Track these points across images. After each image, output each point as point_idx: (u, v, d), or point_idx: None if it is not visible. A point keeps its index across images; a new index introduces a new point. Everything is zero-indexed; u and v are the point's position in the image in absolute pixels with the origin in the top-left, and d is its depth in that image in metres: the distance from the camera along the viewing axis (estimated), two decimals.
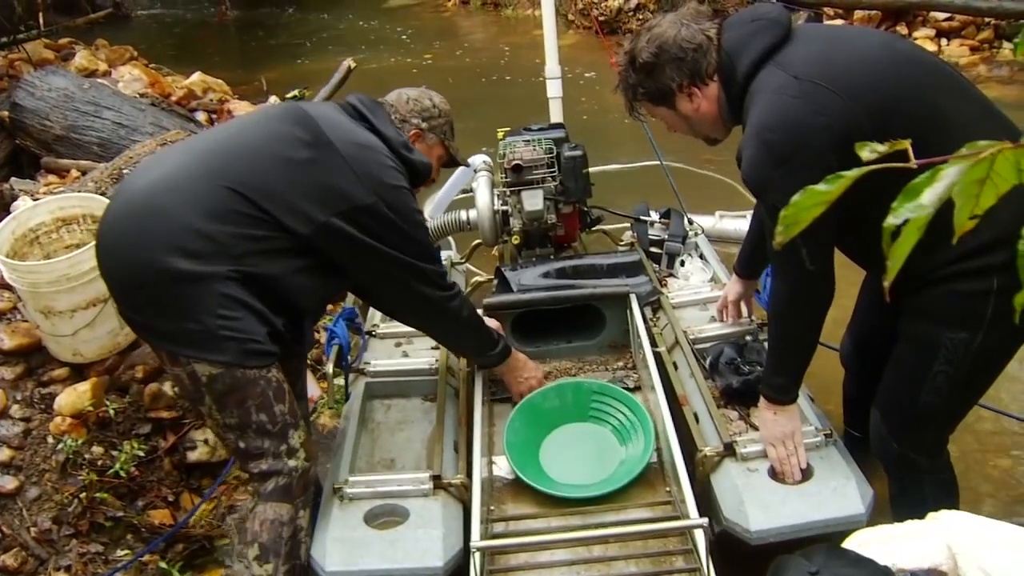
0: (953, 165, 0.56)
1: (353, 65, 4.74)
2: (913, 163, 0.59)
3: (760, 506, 1.69)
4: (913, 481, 1.82)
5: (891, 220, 0.57)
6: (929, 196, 0.56)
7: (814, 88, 1.50)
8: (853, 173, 0.59)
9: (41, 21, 5.03)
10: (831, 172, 1.64)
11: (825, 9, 6.34)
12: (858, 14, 6.20)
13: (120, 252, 1.65)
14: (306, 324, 1.85)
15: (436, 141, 1.98)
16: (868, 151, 0.60)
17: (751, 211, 3.36)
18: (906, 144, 0.59)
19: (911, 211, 0.57)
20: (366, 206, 1.70)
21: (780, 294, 1.70)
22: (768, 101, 1.55)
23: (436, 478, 1.80)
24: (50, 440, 2.21)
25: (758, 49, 1.59)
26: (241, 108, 4.58)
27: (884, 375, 1.78)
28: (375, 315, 2.50)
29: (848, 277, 1.85)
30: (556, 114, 3.04)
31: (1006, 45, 5.92)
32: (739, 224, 3.54)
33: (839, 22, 6.19)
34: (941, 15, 6.03)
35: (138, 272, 1.62)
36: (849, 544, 1.24)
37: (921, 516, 1.32)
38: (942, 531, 1.20)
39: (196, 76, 4.89)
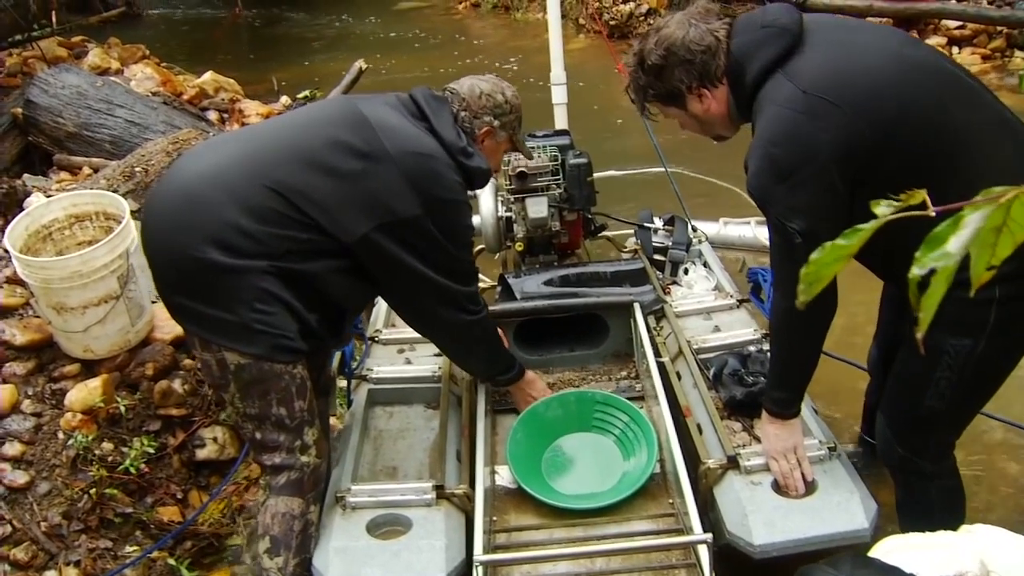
0: (976, 211, 0.54)
1: (365, 66, 4.77)
2: (931, 211, 0.57)
3: (764, 520, 1.67)
4: (919, 486, 1.82)
5: (916, 271, 0.55)
6: (955, 243, 0.54)
7: (820, 103, 1.49)
8: (870, 225, 0.58)
9: (54, 19, 5.08)
10: (832, 187, 1.63)
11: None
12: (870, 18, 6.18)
13: (163, 236, 1.68)
14: (346, 319, 1.85)
15: (505, 137, 1.95)
16: (884, 207, 0.58)
17: (755, 218, 3.37)
18: (923, 195, 0.58)
19: (936, 260, 0.54)
20: (409, 219, 1.69)
21: (781, 308, 1.70)
22: (775, 114, 1.55)
23: (439, 488, 1.80)
24: (61, 436, 2.23)
25: (766, 59, 1.57)
26: (252, 108, 4.62)
27: (888, 380, 1.78)
28: (378, 320, 2.49)
29: (856, 284, 1.83)
30: (561, 120, 3.03)
31: (1018, 54, 5.89)
32: (743, 231, 3.53)
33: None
34: (953, 23, 6.01)
35: (177, 258, 1.64)
36: (876, 551, 1.23)
37: (927, 521, 1.31)
38: (974, 544, 1.19)
39: (208, 75, 4.94)
